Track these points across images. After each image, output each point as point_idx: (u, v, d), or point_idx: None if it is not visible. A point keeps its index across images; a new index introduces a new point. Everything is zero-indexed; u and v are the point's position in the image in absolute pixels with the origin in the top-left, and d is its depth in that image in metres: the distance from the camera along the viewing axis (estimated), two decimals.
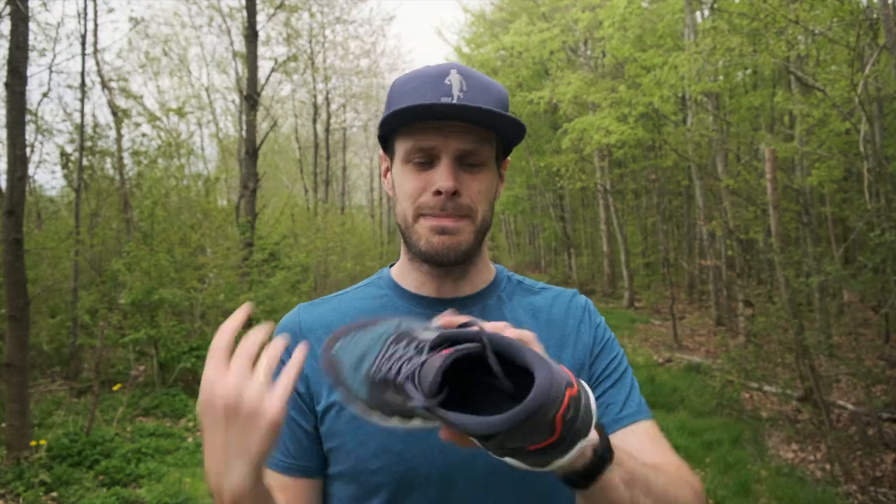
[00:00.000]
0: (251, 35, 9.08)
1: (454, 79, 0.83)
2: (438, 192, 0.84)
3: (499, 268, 1.02)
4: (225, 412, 0.65)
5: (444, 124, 0.83)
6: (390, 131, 0.90)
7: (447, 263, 0.87)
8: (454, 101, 0.82)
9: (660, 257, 15.66)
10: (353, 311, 0.94)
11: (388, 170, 0.95)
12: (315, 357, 0.89)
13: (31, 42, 5.66)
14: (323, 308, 0.96)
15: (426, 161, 0.86)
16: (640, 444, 0.86)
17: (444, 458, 0.86)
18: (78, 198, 7.79)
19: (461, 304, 0.93)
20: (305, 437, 0.90)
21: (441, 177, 0.84)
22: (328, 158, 18.13)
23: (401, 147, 0.88)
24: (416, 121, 0.84)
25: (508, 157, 0.97)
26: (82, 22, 8.17)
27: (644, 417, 0.91)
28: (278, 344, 0.69)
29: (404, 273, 0.96)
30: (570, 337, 0.96)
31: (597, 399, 0.89)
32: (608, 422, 0.90)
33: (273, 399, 0.64)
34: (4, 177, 4.89)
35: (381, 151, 0.97)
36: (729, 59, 7.58)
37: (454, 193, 0.84)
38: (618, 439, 0.82)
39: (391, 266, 1.01)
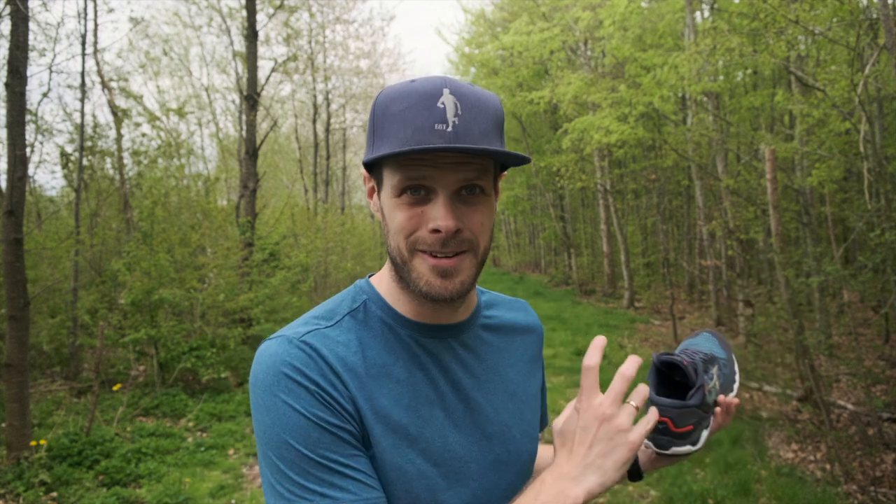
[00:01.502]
0: (251, 35, 9.08)
1: (447, 101, 0.76)
2: (437, 231, 0.78)
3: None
4: (599, 425, 0.76)
5: (439, 156, 0.77)
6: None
7: (445, 303, 0.82)
8: (449, 129, 0.75)
9: (660, 257, 15.66)
10: (361, 344, 0.84)
11: (373, 190, 0.88)
12: (355, 394, 0.80)
13: (31, 42, 5.66)
14: (327, 342, 0.82)
15: (419, 193, 0.79)
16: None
17: (480, 482, 0.88)
18: (78, 198, 7.79)
19: (460, 330, 0.91)
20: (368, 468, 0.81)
21: (439, 215, 0.77)
22: (328, 158, 18.13)
23: (390, 177, 0.81)
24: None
25: (505, 172, 0.91)
26: (82, 22, 8.17)
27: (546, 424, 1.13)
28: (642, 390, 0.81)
29: (397, 299, 0.88)
30: (538, 353, 1.06)
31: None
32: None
33: (637, 429, 0.77)
34: (4, 177, 4.90)
35: (363, 171, 0.90)
36: (729, 59, 7.57)
37: (456, 232, 0.78)
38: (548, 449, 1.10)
39: (369, 277, 0.94)
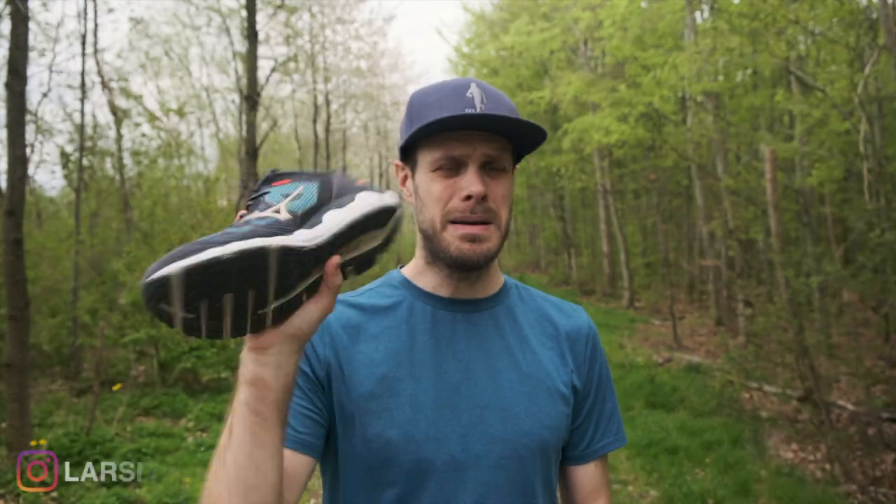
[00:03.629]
0: (251, 35, 9.08)
1: (475, 92, 0.90)
2: (468, 197, 0.88)
3: (505, 276, 1.07)
4: None
5: (470, 134, 0.89)
6: (414, 142, 0.94)
7: (474, 267, 0.93)
8: (478, 113, 0.87)
9: (660, 257, 15.66)
10: (372, 309, 0.97)
11: (406, 177, 0.99)
12: (340, 348, 0.93)
13: (31, 42, 5.66)
14: (341, 305, 0.98)
15: (453, 168, 0.90)
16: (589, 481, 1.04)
17: (463, 445, 0.90)
18: (78, 198, 7.80)
19: (475, 306, 0.99)
20: (313, 416, 0.90)
21: (470, 182, 0.88)
22: (328, 158, 18.14)
23: (426, 156, 0.92)
24: (444, 131, 0.89)
25: (518, 164, 1.01)
26: (82, 22, 8.20)
27: (597, 457, 1.03)
28: None
29: (420, 274, 1.00)
30: (579, 357, 1.03)
31: (580, 427, 1.03)
32: (583, 453, 1.03)
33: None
34: (4, 177, 4.90)
35: (396, 161, 1.02)
36: (729, 59, 7.59)
37: (484, 198, 0.89)
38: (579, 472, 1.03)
39: (400, 268, 1.05)
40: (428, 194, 0.92)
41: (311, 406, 0.90)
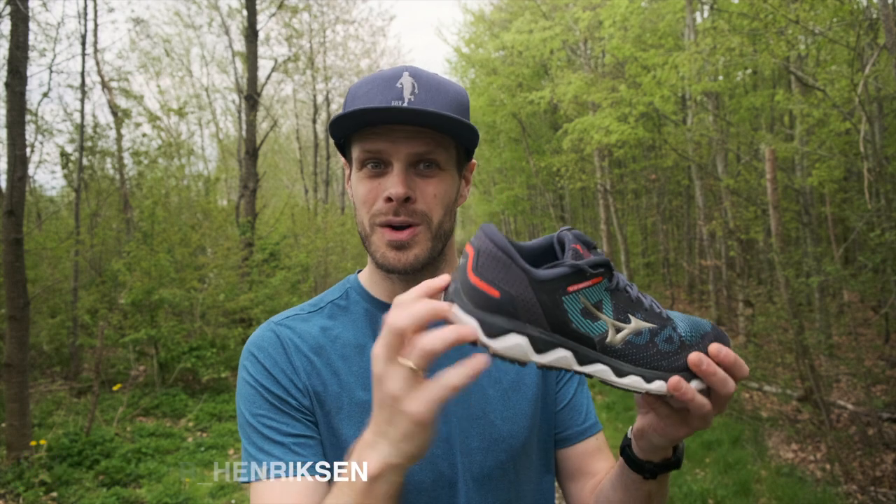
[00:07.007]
0: (251, 35, 9.08)
1: (405, 81, 0.82)
2: (390, 199, 0.82)
3: None
4: (378, 386, 0.61)
5: (394, 129, 0.82)
6: (346, 138, 0.88)
7: (404, 273, 0.86)
8: (404, 105, 0.80)
9: (660, 257, 15.67)
10: (334, 327, 0.91)
11: (349, 176, 0.93)
12: (314, 373, 0.87)
13: (31, 42, 5.66)
14: (302, 325, 0.92)
15: (379, 166, 0.84)
16: (601, 452, 1.01)
17: (448, 461, 0.87)
18: (78, 198, 7.80)
19: None
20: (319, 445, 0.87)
21: (392, 183, 0.82)
22: (328, 158, 18.14)
23: (354, 153, 0.87)
24: (365, 126, 0.83)
25: (473, 161, 0.94)
26: (82, 22, 8.19)
27: (600, 429, 1.03)
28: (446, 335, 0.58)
29: (375, 282, 0.94)
30: None
31: (564, 406, 1.00)
32: (578, 430, 1.00)
33: (415, 395, 0.58)
34: (4, 177, 4.90)
35: (342, 158, 0.95)
36: (729, 59, 7.58)
37: (406, 199, 0.82)
38: (586, 445, 0.99)
39: (358, 273, 1.00)
40: (356, 195, 0.87)
41: (316, 433, 0.86)
